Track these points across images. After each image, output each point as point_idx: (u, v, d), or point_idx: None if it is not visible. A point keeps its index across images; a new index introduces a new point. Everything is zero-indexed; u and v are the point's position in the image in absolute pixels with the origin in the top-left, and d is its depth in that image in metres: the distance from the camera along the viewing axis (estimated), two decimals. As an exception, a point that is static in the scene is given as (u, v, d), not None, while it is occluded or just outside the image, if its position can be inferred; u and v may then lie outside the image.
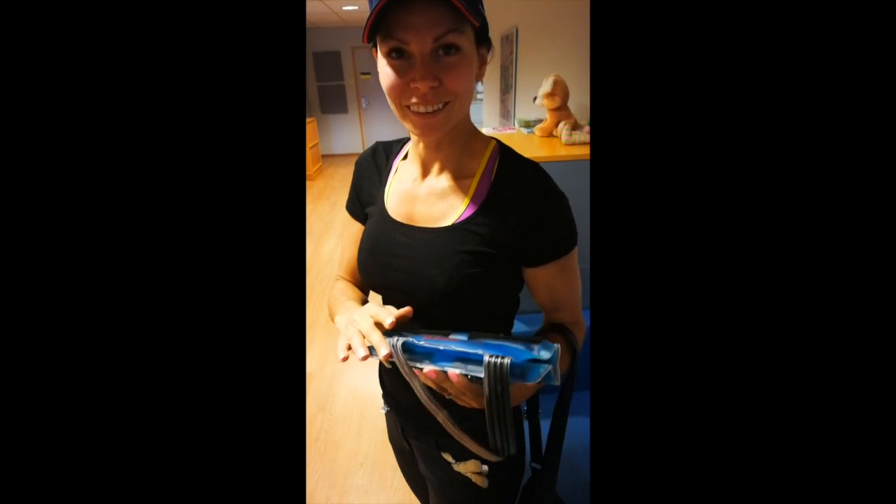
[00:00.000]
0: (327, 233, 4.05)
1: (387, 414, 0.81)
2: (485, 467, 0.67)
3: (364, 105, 7.72)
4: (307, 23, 6.55)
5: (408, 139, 0.67)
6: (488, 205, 0.57)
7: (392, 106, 0.54)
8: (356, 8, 5.52)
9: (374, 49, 0.53)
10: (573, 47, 1.91)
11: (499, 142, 0.62)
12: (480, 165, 0.59)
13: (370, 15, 0.47)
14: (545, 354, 0.45)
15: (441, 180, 0.60)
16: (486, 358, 0.44)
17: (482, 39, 0.54)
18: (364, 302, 0.70)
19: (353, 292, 0.71)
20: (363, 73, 7.51)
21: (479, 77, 0.56)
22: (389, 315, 0.51)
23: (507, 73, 3.14)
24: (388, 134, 7.84)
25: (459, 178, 0.59)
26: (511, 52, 2.96)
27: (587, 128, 1.48)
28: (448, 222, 0.58)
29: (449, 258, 0.56)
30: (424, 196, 0.61)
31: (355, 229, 0.70)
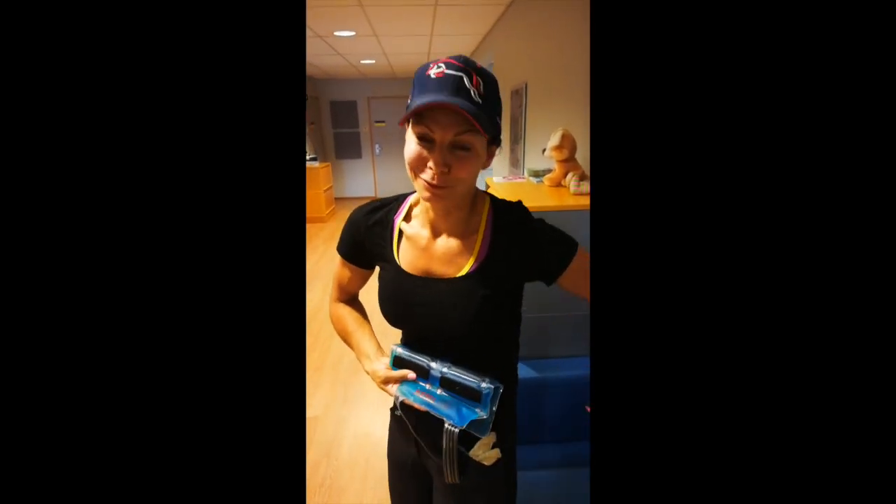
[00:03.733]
0: (338, 274, 4.08)
1: (393, 422, 0.84)
2: (493, 446, 0.74)
3: (377, 151, 8.00)
4: (326, 74, 6.93)
5: (403, 197, 0.77)
6: (493, 252, 0.69)
7: (408, 171, 0.65)
8: (373, 62, 5.84)
9: (407, 123, 0.64)
10: (580, 102, 2.01)
11: (491, 197, 0.74)
12: (482, 222, 0.71)
13: (412, 111, 0.59)
14: (483, 414, 0.65)
15: (452, 240, 0.71)
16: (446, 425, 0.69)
17: (493, 141, 0.67)
18: (364, 315, 0.86)
19: (355, 315, 0.85)
20: (378, 122, 7.83)
21: (486, 166, 0.68)
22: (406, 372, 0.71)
23: (516, 124, 3.28)
24: (399, 178, 8.06)
25: (467, 236, 0.71)
26: (521, 105, 3.10)
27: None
28: (463, 272, 0.69)
29: (469, 302, 0.67)
30: (439, 254, 0.71)
31: (350, 270, 0.82)
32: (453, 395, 0.68)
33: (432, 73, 0.60)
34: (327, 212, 6.40)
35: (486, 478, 0.75)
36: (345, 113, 7.78)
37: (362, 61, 5.79)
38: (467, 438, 0.72)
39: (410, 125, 0.63)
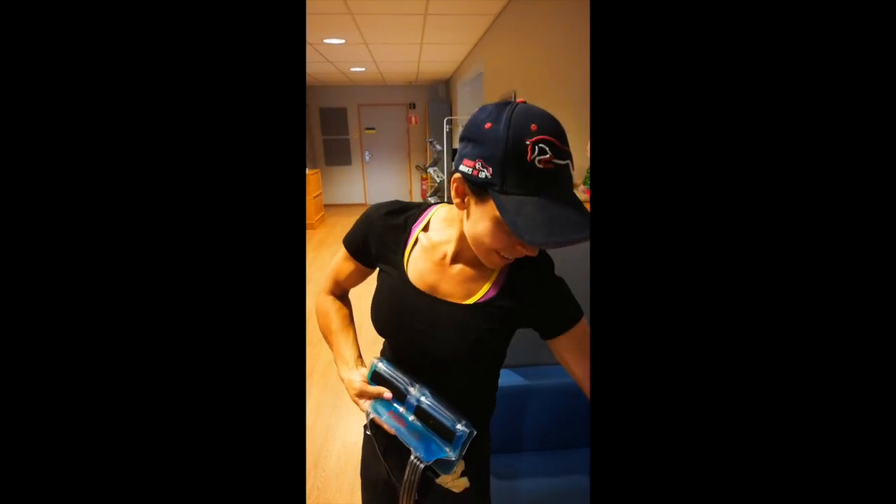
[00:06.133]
0: (327, 281, 4.06)
1: (367, 439, 0.82)
2: (461, 475, 0.72)
3: (367, 158, 8.00)
4: (317, 81, 6.92)
5: (426, 206, 0.72)
6: (507, 287, 0.66)
7: (484, 247, 0.59)
8: (363, 69, 5.85)
9: (476, 200, 0.57)
10: (568, 110, 2.03)
11: None
12: None
13: (537, 244, 0.52)
14: (452, 455, 0.62)
15: (470, 266, 0.67)
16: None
17: None
18: (350, 316, 0.82)
19: (343, 314, 0.81)
20: (367, 129, 7.84)
21: None
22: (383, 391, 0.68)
23: (505, 132, 3.30)
24: (388, 185, 8.06)
25: (485, 266, 0.65)
26: (510, 113, 3.12)
27: (582, 187, 1.55)
28: (472, 300, 0.66)
29: (472, 331, 0.64)
30: (453, 275, 0.67)
31: (352, 265, 0.77)
32: (426, 427, 0.64)
33: (536, 160, 0.51)
34: (317, 218, 6.36)
35: (455, 502, 0.73)
36: (334, 120, 7.77)
37: (352, 69, 5.80)
38: (436, 464, 0.71)
39: (488, 209, 0.55)
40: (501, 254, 0.59)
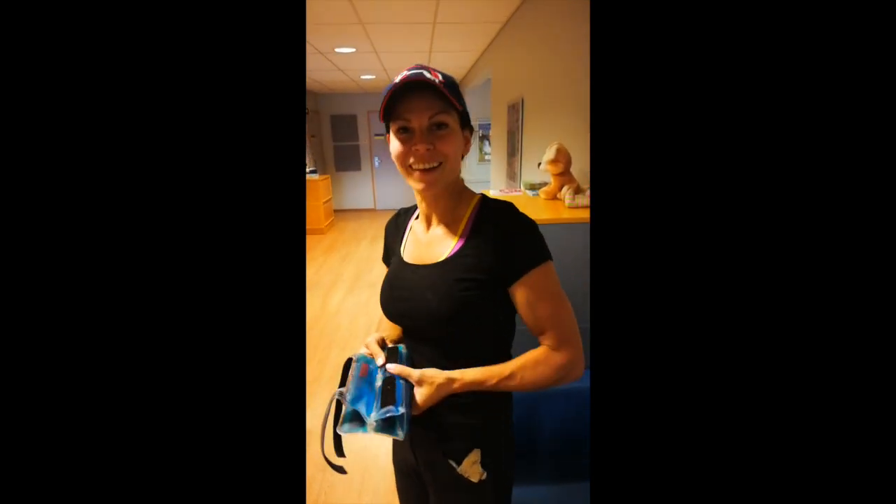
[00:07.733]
0: (335, 286, 4.09)
1: None
2: (478, 463, 0.74)
3: (377, 164, 8.06)
4: (327, 89, 7.01)
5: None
6: (472, 238, 0.71)
7: (399, 169, 0.71)
8: (373, 77, 5.92)
9: (387, 135, 0.72)
10: (574, 117, 2.04)
11: (483, 195, 0.77)
12: (468, 211, 0.75)
13: (383, 99, 0.66)
14: (370, 419, 0.62)
15: (440, 227, 0.76)
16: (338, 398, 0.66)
17: (465, 124, 0.73)
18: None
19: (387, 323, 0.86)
20: (377, 135, 7.90)
21: (464, 153, 0.74)
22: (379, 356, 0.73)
23: (513, 138, 3.31)
24: (397, 190, 8.09)
25: (453, 223, 0.75)
26: (517, 119, 3.14)
27: (589, 192, 1.56)
28: (444, 257, 0.72)
29: (442, 284, 0.69)
30: (429, 242, 0.76)
31: None
32: (379, 390, 0.66)
33: (396, 81, 0.67)
34: (326, 223, 6.41)
35: (474, 495, 0.74)
36: (345, 126, 7.86)
37: (362, 76, 5.87)
38: (458, 453, 0.73)
39: (391, 127, 0.70)
40: (412, 165, 0.68)
